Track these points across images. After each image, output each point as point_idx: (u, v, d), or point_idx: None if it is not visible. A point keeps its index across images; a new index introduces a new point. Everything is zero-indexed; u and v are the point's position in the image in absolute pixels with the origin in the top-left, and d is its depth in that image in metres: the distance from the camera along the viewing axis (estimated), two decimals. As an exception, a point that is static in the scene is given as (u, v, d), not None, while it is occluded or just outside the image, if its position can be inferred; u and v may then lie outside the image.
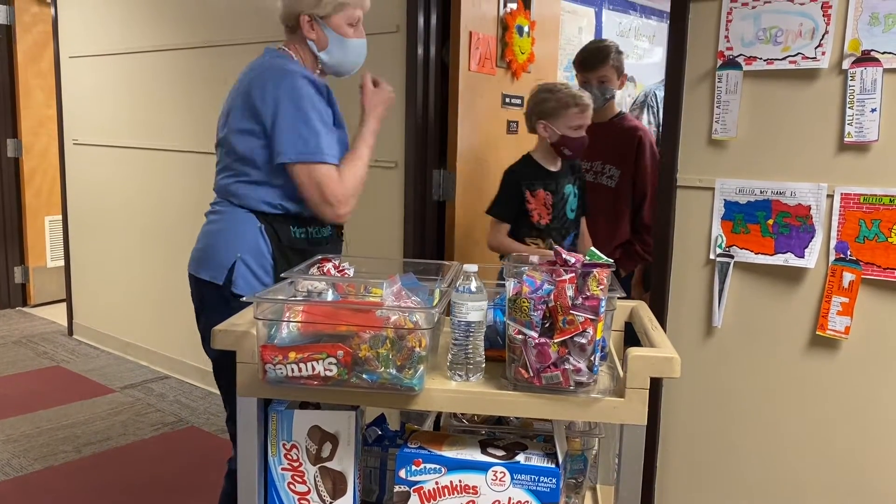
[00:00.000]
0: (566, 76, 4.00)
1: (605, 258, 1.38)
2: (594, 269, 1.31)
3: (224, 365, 1.78)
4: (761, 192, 2.10)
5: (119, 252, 4.19)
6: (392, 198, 2.91)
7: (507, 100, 3.23)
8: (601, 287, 1.30)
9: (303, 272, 1.57)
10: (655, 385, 2.09)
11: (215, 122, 1.96)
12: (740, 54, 2.09)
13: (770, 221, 2.09)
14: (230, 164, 1.88)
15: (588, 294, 1.30)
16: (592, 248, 1.40)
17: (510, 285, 1.35)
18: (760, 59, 2.06)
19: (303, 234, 1.88)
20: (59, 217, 4.78)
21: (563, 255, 1.42)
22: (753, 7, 2.06)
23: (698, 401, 2.26)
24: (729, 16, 2.10)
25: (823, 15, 1.97)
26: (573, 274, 1.33)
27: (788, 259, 2.06)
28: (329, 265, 1.70)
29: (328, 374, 1.28)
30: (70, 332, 4.70)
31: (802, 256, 2.05)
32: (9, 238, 5.20)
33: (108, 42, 4.13)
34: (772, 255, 2.09)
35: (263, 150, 1.81)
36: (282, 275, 1.51)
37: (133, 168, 4.05)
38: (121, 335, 4.32)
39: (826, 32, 1.97)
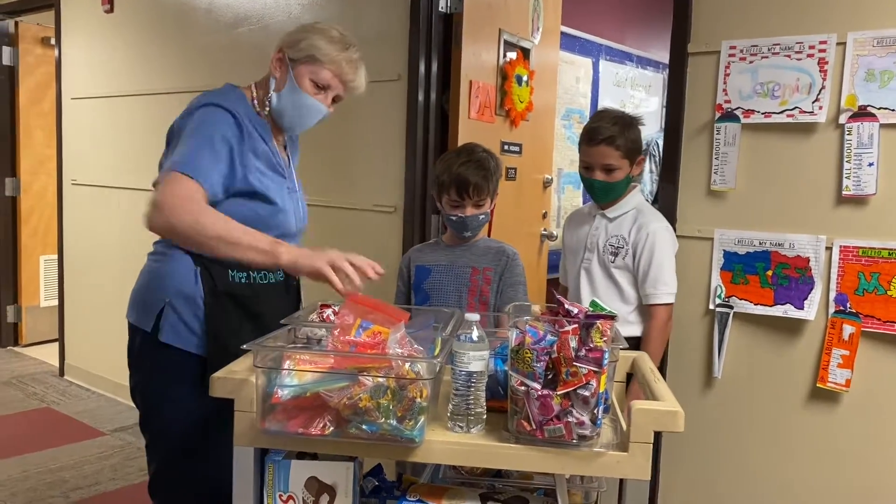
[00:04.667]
0: (564, 124, 4.05)
1: (609, 309, 1.38)
2: (597, 321, 1.30)
3: (151, 418, 1.71)
4: (760, 243, 2.10)
5: (113, 293, 4.16)
6: (390, 242, 2.91)
7: (506, 147, 3.25)
8: (605, 339, 1.30)
9: (303, 318, 1.56)
10: (655, 436, 2.07)
11: None
12: (738, 107, 2.12)
13: (769, 272, 2.09)
14: None
15: (591, 346, 1.29)
16: (595, 299, 1.41)
17: (513, 335, 1.35)
18: (758, 112, 2.09)
19: (243, 279, 1.70)
20: (55, 256, 4.76)
21: (566, 306, 1.42)
22: (751, 62, 2.09)
23: (698, 452, 2.24)
24: (727, 69, 2.13)
25: (820, 70, 2.00)
26: (576, 325, 1.32)
27: (788, 310, 2.06)
28: (329, 311, 1.70)
29: (324, 432, 1.27)
30: (61, 372, 4.65)
31: (802, 308, 2.04)
32: (3, 277, 5.17)
33: (110, 85, 4.16)
34: (771, 305, 2.09)
35: None
36: (281, 321, 1.50)
37: (130, 209, 4.05)
38: (112, 376, 4.27)
39: (823, 87, 2.00)
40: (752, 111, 2.10)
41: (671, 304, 2.08)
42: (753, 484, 2.17)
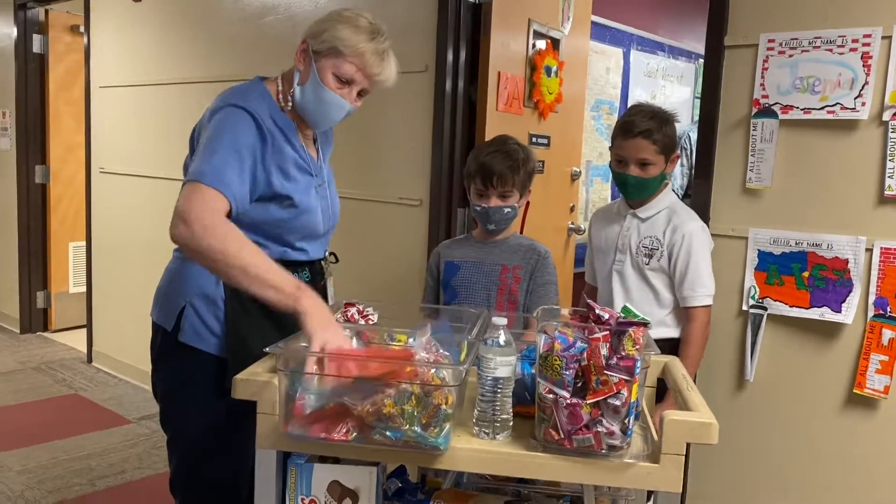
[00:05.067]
0: (593, 116, 3.98)
1: (641, 316, 1.33)
2: (630, 328, 1.26)
3: (170, 417, 1.69)
4: (796, 243, 2.04)
5: (140, 281, 4.18)
6: (416, 236, 2.87)
7: (534, 139, 3.20)
8: (637, 347, 1.25)
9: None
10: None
11: None
12: (776, 102, 2.05)
13: (805, 274, 2.03)
14: None
15: (623, 354, 1.25)
16: (627, 305, 1.36)
17: (541, 341, 1.31)
18: (797, 108, 2.02)
19: None
20: (83, 243, 4.80)
21: (597, 311, 1.38)
22: (791, 55, 2.02)
23: (727, 457, 2.19)
24: (765, 63, 2.06)
25: (864, 65, 1.93)
26: (607, 332, 1.28)
27: (824, 313, 2.00)
28: (353, 310, 1.67)
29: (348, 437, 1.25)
30: (89, 359, 4.69)
31: (839, 311, 1.98)
32: (33, 263, 5.22)
33: (137, 73, 4.16)
34: (807, 308, 2.03)
35: None
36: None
37: (157, 198, 4.05)
38: (139, 364, 4.30)
39: (866, 83, 1.93)
40: (791, 107, 2.03)
41: (710, 305, 2.02)
42: (785, 493, 2.11)
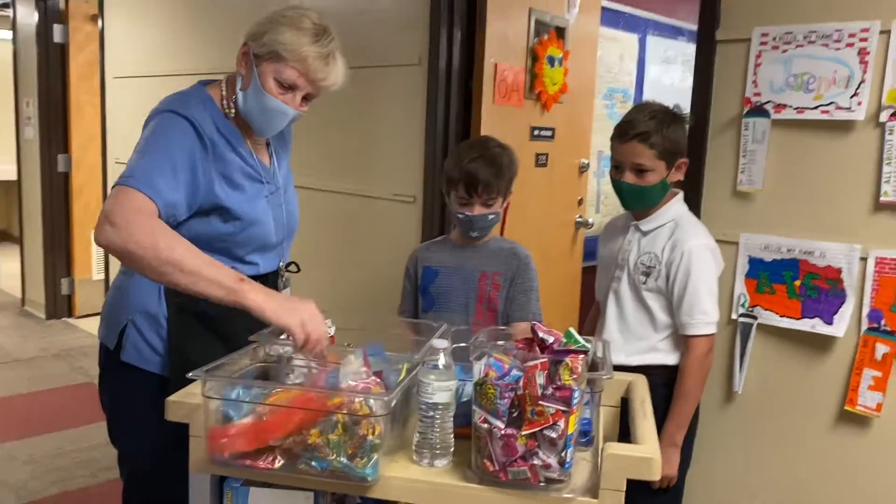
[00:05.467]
0: (605, 104, 3.86)
1: (583, 341, 1.27)
2: (566, 357, 1.19)
3: (115, 435, 1.67)
4: (788, 250, 1.94)
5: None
6: (409, 233, 2.82)
7: (536, 132, 3.11)
8: (574, 377, 1.19)
9: (274, 334, 1.49)
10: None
11: None
12: (769, 101, 1.94)
13: (797, 282, 1.93)
14: None
15: (559, 383, 1.19)
16: (571, 330, 1.29)
17: (477, 367, 1.25)
18: (790, 107, 1.91)
19: None
20: (103, 232, 4.86)
21: (541, 334, 1.31)
22: (784, 51, 1.91)
23: (714, 469, 2.10)
24: (758, 59, 1.95)
25: (860, 62, 1.80)
26: (544, 360, 1.22)
27: (816, 325, 1.90)
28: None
29: (273, 465, 1.21)
30: (108, 346, 4.76)
31: (831, 323, 1.88)
32: (57, 250, 5.31)
33: (151, 64, 4.17)
34: (798, 318, 1.93)
35: None
36: (250, 338, 1.43)
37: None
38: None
39: (863, 81, 1.80)
40: (784, 106, 1.92)
41: (711, 335, 1.81)
42: (775, 506, 2.03)
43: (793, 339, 1.96)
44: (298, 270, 1.80)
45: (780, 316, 1.96)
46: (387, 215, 2.89)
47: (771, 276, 1.97)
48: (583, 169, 3.48)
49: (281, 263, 1.73)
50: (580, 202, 3.51)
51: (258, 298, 1.35)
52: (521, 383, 1.20)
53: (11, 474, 3.04)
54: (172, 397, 1.32)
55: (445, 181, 1.95)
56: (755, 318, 2.00)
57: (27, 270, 5.54)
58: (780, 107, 1.93)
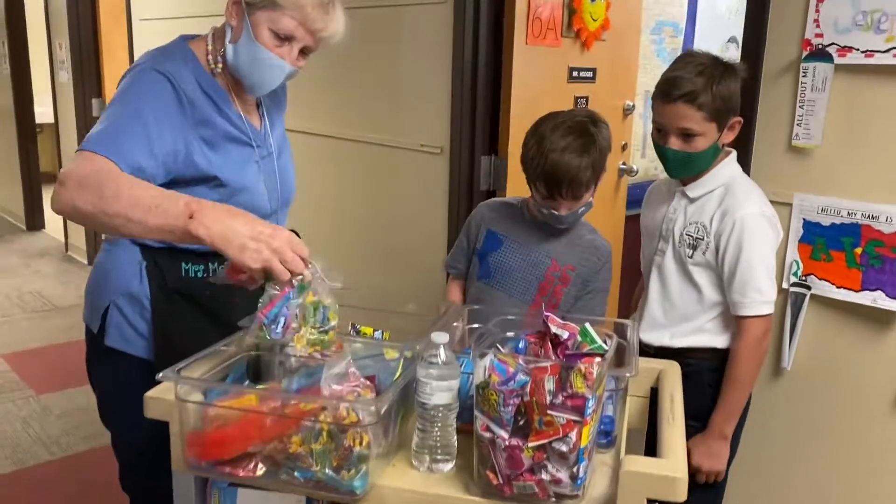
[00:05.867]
0: (653, 40, 3.57)
1: (600, 341, 1.11)
2: (579, 362, 1.04)
3: (105, 419, 1.58)
4: (849, 213, 1.72)
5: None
6: (436, 187, 2.66)
7: (575, 73, 2.88)
8: (588, 383, 1.03)
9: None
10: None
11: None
12: (832, 43, 1.70)
13: (858, 250, 1.72)
14: None
15: (571, 391, 1.04)
16: (587, 326, 1.13)
17: (480, 368, 1.11)
18: (857, 50, 1.67)
19: (201, 273, 1.46)
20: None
21: (554, 329, 1.16)
22: (852, -17, 1.65)
23: (760, 453, 1.94)
24: (821, -6, 1.70)
25: (943, -4, 1.55)
26: (555, 362, 1.06)
27: (878, 299, 1.70)
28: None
29: (255, 473, 1.09)
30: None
31: (895, 297, 1.67)
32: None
33: (176, 5, 4.02)
34: (858, 291, 1.73)
35: None
36: (239, 323, 1.31)
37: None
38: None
39: (945, 19, 1.55)
40: (850, 49, 1.68)
41: (767, 315, 1.60)
42: (826, 497, 1.86)
43: (850, 312, 1.76)
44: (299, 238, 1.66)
45: (837, 287, 1.76)
46: (414, 167, 2.72)
47: (828, 241, 1.76)
48: (627, 111, 3.23)
49: None
50: (624, 147, 3.28)
51: (212, 226, 1.14)
52: (527, 389, 1.06)
53: (44, 428, 3.06)
54: (150, 393, 1.22)
55: (522, 164, 1.66)
56: (809, 287, 1.80)
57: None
58: (845, 50, 1.68)
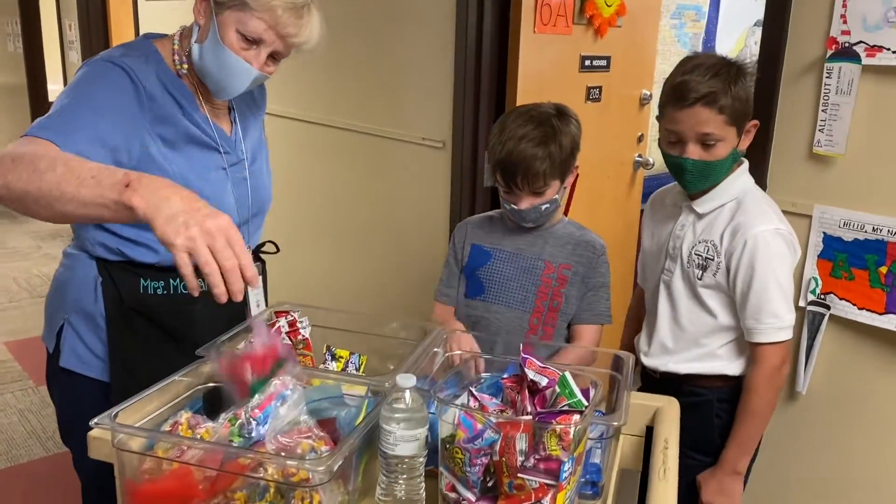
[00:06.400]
0: (673, 24, 3.40)
1: (579, 395, 0.99)
2: (553, 421, 0.92)
3: (66, 440, 1.50)
4: (874, 229, 1.58)
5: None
6: (438, 183, 2.54)
7: (587, 62, 2.73)
8: (563, 444, 0.92)
9: (229, 343, 1.26)
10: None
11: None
12: (860, 42, 1.54)
13: (883, 269, 1.57)
14: None
15: (544, 454, 0.92)
16: (566, 376, 1.01)
17: (441, 419, 1.00)
18: (888, 49, 1.51)
19: (160, 289, 1.36)
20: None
21: (531, 374, 1.04)
22: (884, -24, 1.49)
23: (770, 480, 1.82)
24: (849, -13, 1.54)
25: None
26: (527, 419, 0.95)
27: (903, 323, 1.55)
28: (283, 321, 1.40)
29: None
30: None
31: (922, 323, 1.53)
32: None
33: (179, -16, 3.91)
34: (881, 313, 1.59)
35: None
36: (197, 352, 1.20)
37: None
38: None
39: None
40: (880, 48, 1.52)
41: (785, 342, 1.47)
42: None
43: (873, 336, 1.62)
44: (277, 251, 1.55)
45: (859, 308, 1.62)
46: (416, 161, 2.60)
47: (850, 258, 1.62)
48: (644, 101, 3.08)
49: (248, 246, 1.48)
50: (640, 139, 3.13)
51: (141, 200, 0.97)
52: (496, 448, 0.95)
53: (41, 422, 3.01)
54: (93, 433, 1.13)
55: (489, 155, 1.60)
56: (828, 307, 1.66)
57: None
58: (873, 49, 1.53)
